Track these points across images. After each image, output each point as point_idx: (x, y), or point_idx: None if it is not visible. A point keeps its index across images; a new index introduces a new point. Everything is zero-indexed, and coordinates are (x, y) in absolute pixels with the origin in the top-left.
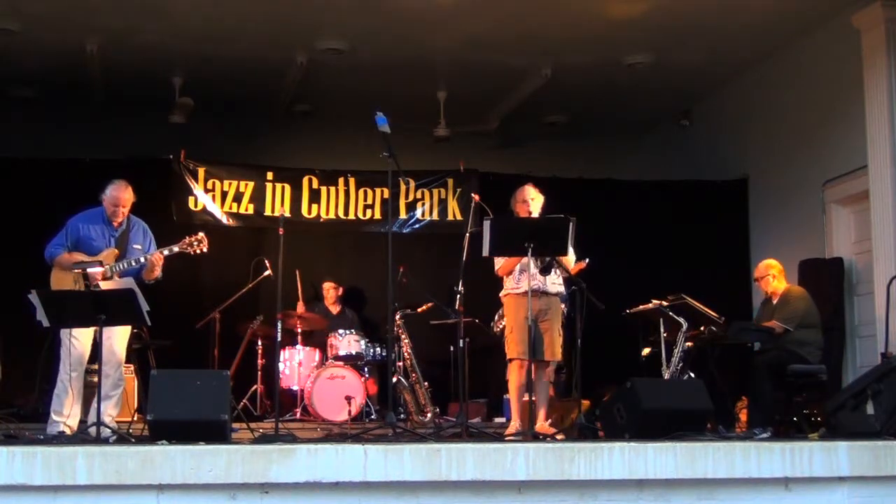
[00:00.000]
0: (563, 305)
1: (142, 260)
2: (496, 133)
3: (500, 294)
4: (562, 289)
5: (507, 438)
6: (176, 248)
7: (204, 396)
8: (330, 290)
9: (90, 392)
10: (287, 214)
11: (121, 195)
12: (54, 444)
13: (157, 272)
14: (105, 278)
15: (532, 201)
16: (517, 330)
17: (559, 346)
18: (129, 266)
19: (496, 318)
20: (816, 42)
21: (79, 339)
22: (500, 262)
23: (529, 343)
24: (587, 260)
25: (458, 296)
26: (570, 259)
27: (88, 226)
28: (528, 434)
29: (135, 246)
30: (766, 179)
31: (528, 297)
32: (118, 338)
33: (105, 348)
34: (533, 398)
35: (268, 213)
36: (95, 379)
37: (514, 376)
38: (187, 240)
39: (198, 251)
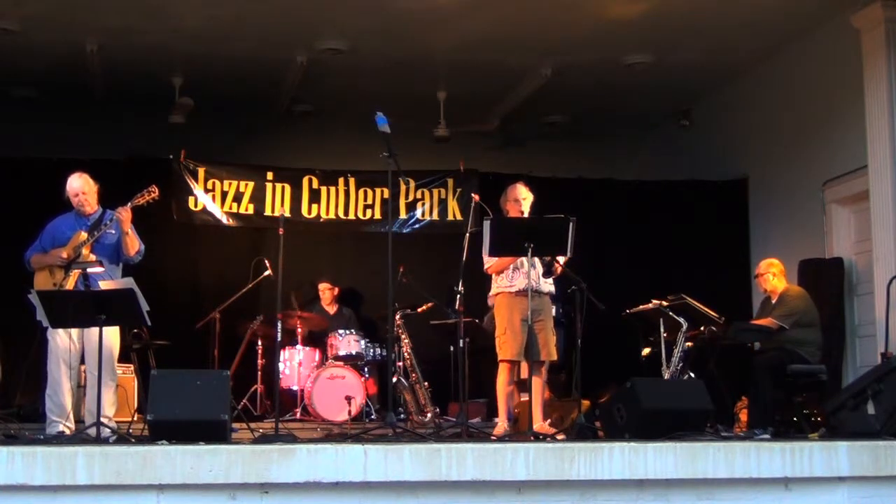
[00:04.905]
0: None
1: (112, 226)
2: (496, 133)
3: (490, 293)
4: (552, 288)
5: (492, 439)
6: (138, 201)
7: (204, 396)
8: (325, 291)
9: (82, 391)
10: (287, 214)
11: (73, 185)
12: (54, 444)
13: (129, 230)
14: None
15: (524, 200)
16: (510, 331)
17: (553, 345)
18: (101, 235)
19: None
20: (816, 42)
21: (61, 336)
22: (492, 260)
23: (523, 344)
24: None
25: (458, 296)
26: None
27: (61, 223)
28: (522, 434)
29: (108, 232)
30: (766, 179)
31: (529, 296)
32: (109, 333)
33: (94, 345)
34: (525, 398)
35: (268, 213)
36: (84, 377)
37: (504, 377)
38: (139, 195)
39: (149, 199)
